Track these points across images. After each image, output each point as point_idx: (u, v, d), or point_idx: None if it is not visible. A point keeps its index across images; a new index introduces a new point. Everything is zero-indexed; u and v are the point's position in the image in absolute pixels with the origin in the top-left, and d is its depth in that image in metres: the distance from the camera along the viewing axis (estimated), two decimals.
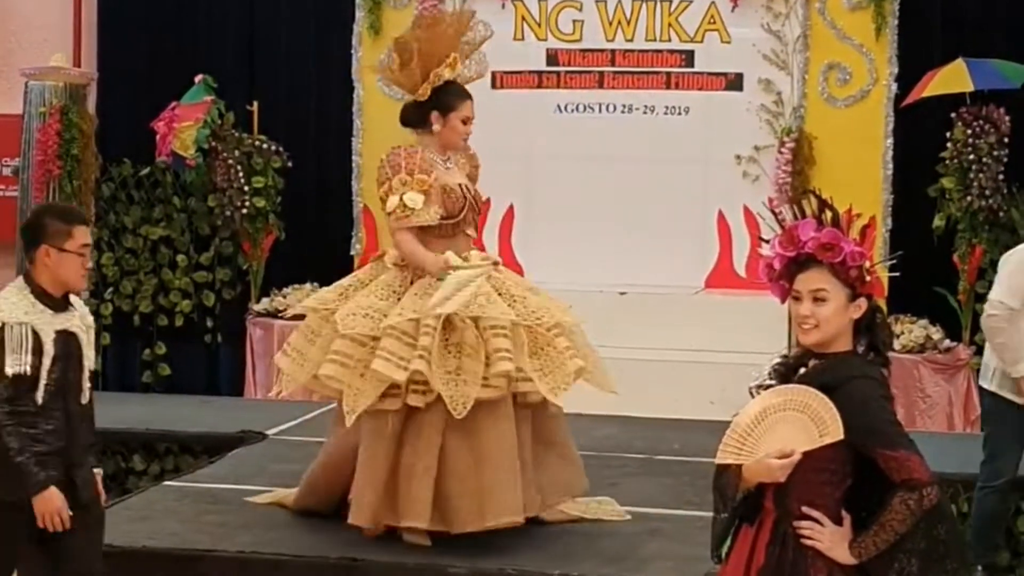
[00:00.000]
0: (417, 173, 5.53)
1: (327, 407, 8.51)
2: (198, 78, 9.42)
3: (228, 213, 9.40)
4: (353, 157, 9.59)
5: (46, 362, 4.31)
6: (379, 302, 5.47)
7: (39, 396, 4.30)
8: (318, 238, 9.72)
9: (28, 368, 4.27)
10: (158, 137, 9.30)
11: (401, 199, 5.51)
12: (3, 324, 4.29)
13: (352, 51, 9.58)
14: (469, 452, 5.41)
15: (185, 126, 9.22)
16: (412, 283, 5.54)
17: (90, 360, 4.49)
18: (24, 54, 10.08)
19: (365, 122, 9.56)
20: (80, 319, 4.48)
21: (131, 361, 9.82)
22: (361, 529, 5.50)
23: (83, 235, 4.41)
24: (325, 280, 9.46)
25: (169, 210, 9.71)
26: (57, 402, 4.35)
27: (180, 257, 9.69)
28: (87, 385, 4.49)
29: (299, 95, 9.83)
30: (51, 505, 4.27)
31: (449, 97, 5.69)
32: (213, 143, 9.36)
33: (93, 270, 9.82)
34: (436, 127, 5.67)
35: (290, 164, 9.56)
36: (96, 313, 9.74)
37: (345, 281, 5.78)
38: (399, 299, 5.48)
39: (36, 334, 4.30)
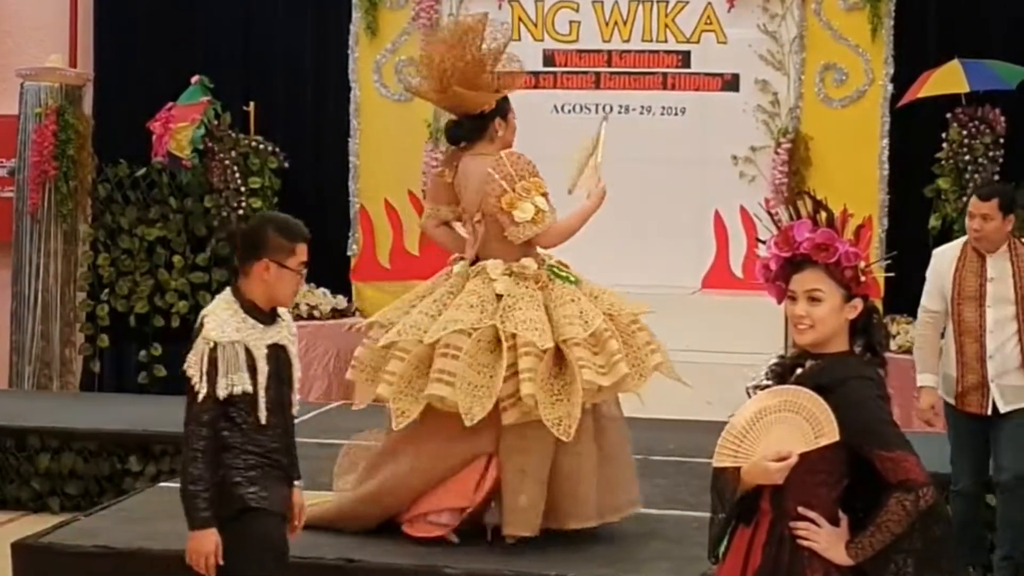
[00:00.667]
0: (530, 177, 5.51)
1: (325, 408, 8.52)
2: (194, 79, 9.42)
3: (224, 214, 9.40)
4: (350, 158, 9.60)
5: (261, 379, 4.16)
6: (536, 313, 5.40)
7: (261, 414, 4.16)
8: (315, 239, 9.50)
9: (244, 388, 4.11)
10: (154, 138, 9.29)
11: (535, 204, 5.48)
12: (215, 344, 4.11)
13: (349, 51, 9.58)
14: (599, 450, 5.56)
15: (181, 127, 9.22)
16: (540, 289, 5.52)
17: (297, 370, 4.37)
18: (20, 54, 10.08)
19: (362, 123, 9.57)
20: (287, 329, 4.34)
21: (127, 362, 9.81)
22: (502, 538, 5.45)
23: (304, 253, 4.29)
24: (323, 280, 9.53)
25: (165, 211, 9.70)
26: (277, 417, 4.22)
27: (176, 258, 9.67)
28: (295, 397, 4.37)
29: (296, 96, 9.83)
30: (205, 547, 4.15)
31: (503, 102, 5.69)
32: (209, 144, 9.36)
33: (89, 271, 9.86)
34: (500, 133, 5.65)
35: (287, 165, 9.55)
36: (92, 314, 9.77)
37: (471, 300, 5.47)
38: (546, 310, 5.44)
39: (249, 352, 4.14)
